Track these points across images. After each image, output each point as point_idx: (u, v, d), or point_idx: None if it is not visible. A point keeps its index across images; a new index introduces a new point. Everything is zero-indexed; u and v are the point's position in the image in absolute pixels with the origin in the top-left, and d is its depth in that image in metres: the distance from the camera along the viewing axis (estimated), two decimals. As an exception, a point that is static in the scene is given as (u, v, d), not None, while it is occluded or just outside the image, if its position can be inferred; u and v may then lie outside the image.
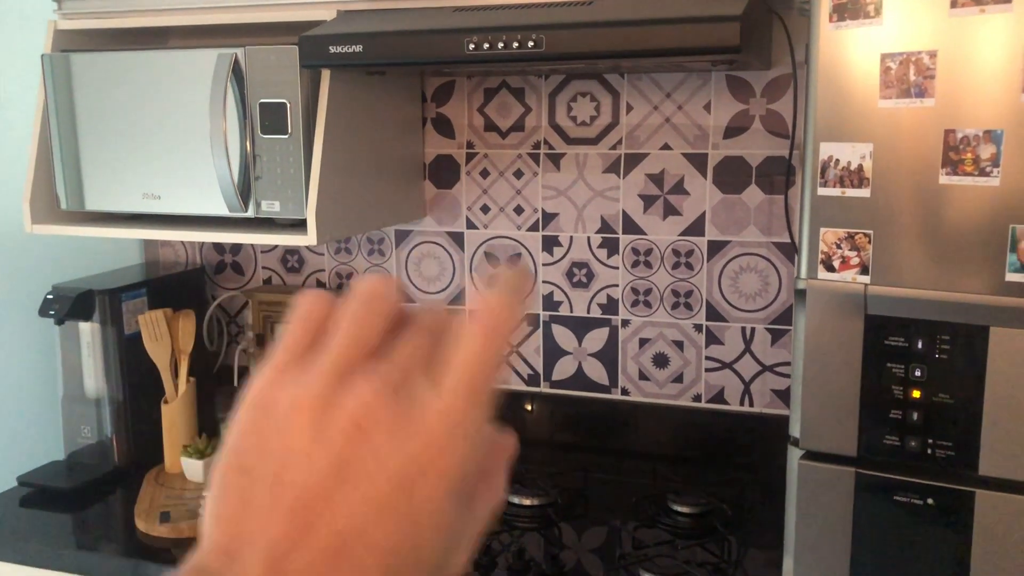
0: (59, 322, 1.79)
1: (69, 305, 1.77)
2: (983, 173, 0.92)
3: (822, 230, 1.01)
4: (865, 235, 0.99)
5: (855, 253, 0.99)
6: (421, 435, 0.33)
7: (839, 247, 1.00)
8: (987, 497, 0.96)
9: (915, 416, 0.98)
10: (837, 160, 0.99)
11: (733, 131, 1.74)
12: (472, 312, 0.36)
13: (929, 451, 0.98)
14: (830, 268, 1.01)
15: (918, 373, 0.98)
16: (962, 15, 0.91)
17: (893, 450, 1.00)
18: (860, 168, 0.98)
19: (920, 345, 0.97)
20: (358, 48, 1.40)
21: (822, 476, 1.04)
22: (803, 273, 1.03)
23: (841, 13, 0.97)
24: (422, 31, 1.38)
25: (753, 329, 1.79)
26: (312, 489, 0.32)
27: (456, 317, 0.37)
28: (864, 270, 0.99)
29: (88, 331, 1.83)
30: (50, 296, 1.79)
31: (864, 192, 0.98)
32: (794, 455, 1.07)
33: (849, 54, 0.98)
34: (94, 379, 1.85)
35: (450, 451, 0.33)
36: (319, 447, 0.32)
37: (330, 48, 1.42)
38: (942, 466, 0.98)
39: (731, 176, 1.75)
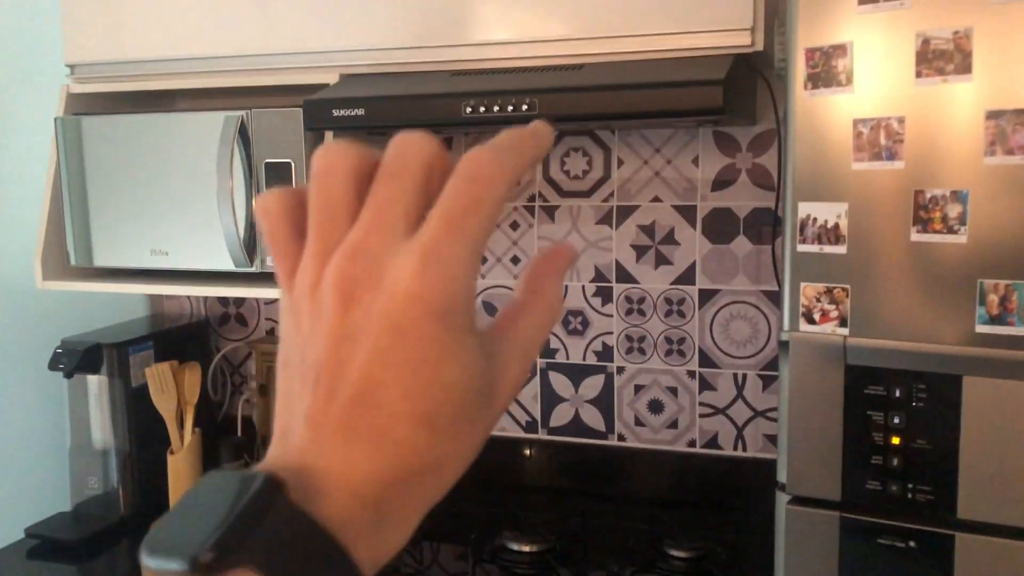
0: (68, 375, 1.83)
1: (78, 359, 1.82)
2: (951, 231, 0.98)
3: (802, 284, 1.06)
4: (843, 289, 1.04)
5: (834, 306, 1.05)
6: (397, 278, 0.34)
7: (819, 301, 1.05)
8: (966, 540, 1.01)
9: (895, 461, 1.03)
10: (815, 218, 1.04)
11: (721, 184, 1.80)
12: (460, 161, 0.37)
13: (910, 495, 1.03)
14: (811, 320, 1.06)
15: (897, 420, 1.03)
16: (927, 84, 0.98)
17: (875, 494, 1.04)
18: (836, 226, 1.03)
19: (898, 393, 1.02)
20: (360, 112, 1.47)
21: (808, 520, 1.08)
22: (786, 325, 1.08)
23: (815, 81, 1.04)
24: (422, 95, 1.44)
25: (745, 375, 1.83)
26: (325, 362, 0.35)
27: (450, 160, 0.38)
28: (843, 322, 1.04)
29: (96, 384, 1.88)
30: (59, 350, 1.84)
31: (841, 249, 1.03)
32: (781, 500, 1.11)
33: (824, 119, 1.04)
34: (101, 431, 1.89)
35: (426, 283, 0.34)
36: (320, 323, 0.35)
37: (333, 112, 1.48)
38: (922, 510, 1.02)
39: (720, 227, 1.81)
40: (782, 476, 1.10)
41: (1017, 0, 0.94)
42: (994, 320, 0.97)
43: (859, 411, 1.04)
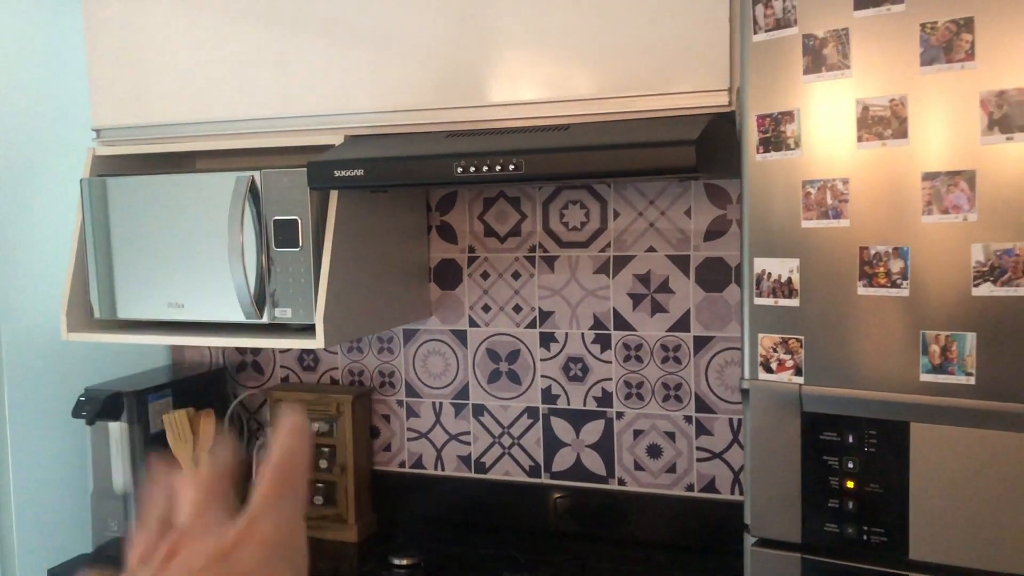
0: (90, 422, 1.93)
1: (99, 406, 1.92)
2: (894, 285, 1.03)
3: (760, 335, 1.12)
4: (797, 340, 1.10)
5: (789, 356, 1.10)
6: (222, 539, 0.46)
7: (775, 351, 1.11)
8: (918, 580, 1.05)
9: (850, 505, 1.07)
10: (769, 273, 1.11)
11: (712, 234, 1.87)
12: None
13: (865, 537, 1.07)
14: (769, 370, 1.12)
15: (851, 465, 1.07)
16: (868, 148, 1.04)
17: (833, 537, 1.09)
18: (790, 280, 1.09)
19: (851, 439, 1.07)
20: (359, 172, 1.56)
21: (772, 561, 1.13)
22: (747, 374, 1.14)
23: (767, 145, 1.10)
24: (416, 156, 1.53)
25: (740, 420, 1.88)
26: None
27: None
28: (798, 371, 1.10)
29: (117, 430, 1.97)
30: (82, 398, 1.94)
31: (794, 302, 1.09)
32: (748, 542, 1.16)
33: (775, 180, 1.10)
34: (122, 476, 1.98)
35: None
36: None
37: (335, 172, 1.58)
38: (877, 551, 1.07)
39: (712, 276, 1.87)
40: (747, 518, 1.15)
41: (946, 70, 1.00)
42: (936, 369, 1.02)
43: (815, 456, 1.09)
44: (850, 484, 1.07)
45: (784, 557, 1.12)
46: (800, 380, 1.10)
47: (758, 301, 1.11)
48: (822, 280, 1.08)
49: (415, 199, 2.03)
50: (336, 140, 1.74)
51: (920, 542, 1.05)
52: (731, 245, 1.86)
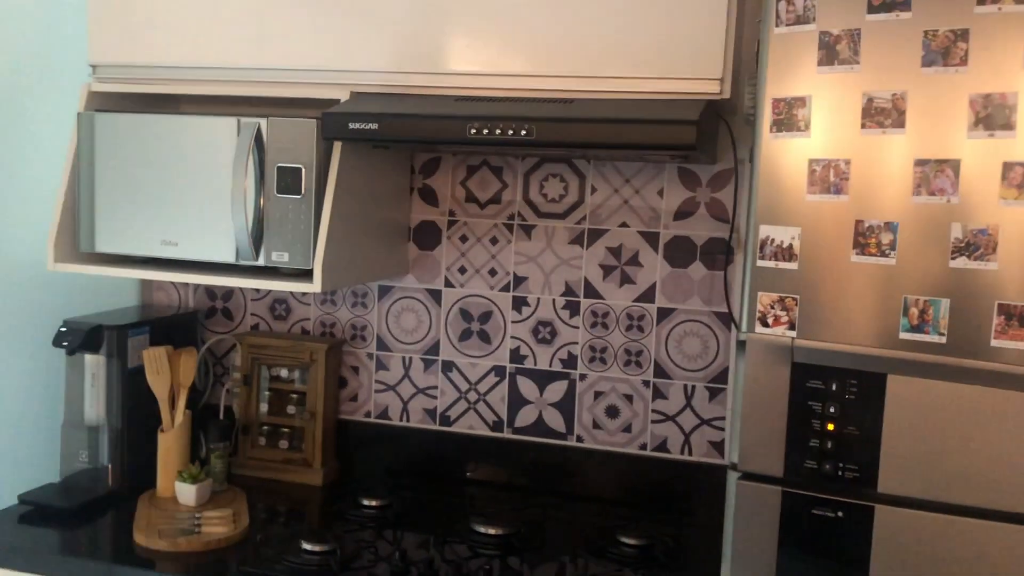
0: (71, 353, 1.95)
1: (81, 338, 1.94)
2: (883, 255, 1.20)
3: (759, 294, 1.27)
4: (793, 299, 1.25)
5: (785, 313, 1.25)
6: None
7: (772, 308, 1.26)
8: (884, 511, 1.22)
9: (829, 444, 1.23)
10: (773, 239, 1.26)
11: (682, 214, 2.02)
12: None
13: (840, 473, 1.23)
14: (765, 324, 1.27)
15: (832, 410, 1.23)
16: (869, 134, 1.20)
17: (811, 472, 1.25)
18: (790, 246, 1.25)
19: (834, 387, 1.23)
20: (374, 126, 1.64)
21: (755, 493, 1.28)
22: (744, 328, 1.28)
23: (779, 126, 1.25)
24: (432, 115, 1.63)
25: (694, 387, 2.04)
26: None
27: None
28: (792, 326, 1.25)
29: (94, 363, 2.00)
30: (63, 329, 1.95)
31: (793, 265, 1.25)
32: (732, 477, 1.31)
33: (784, 157, 1.25)
34: (95, 408, 2.01)
35: None
36: None
37: (349, 124, 1.66)
38: (850, 485, 1.23)
39: (679, 253, 2.03)
40: (734, 456, 1.30)
41: (942, 72, 1.16)
42: (914, 329, 1.19)
43: (801, 401, 1.25)
44: (830, 426, 1.23)
45: (766, 490, 1.27)
46: (793, 334, 1.25)
47: (760, 263, 1.26)
48: (820, 247, 1.23)
49: (402, 161, 2.11)
50: (341, 95, 1.81)
51: (888, 478, 1.21)
52: (698, 225, 2.01)
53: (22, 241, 1.99)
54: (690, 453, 2.05)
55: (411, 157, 2.16)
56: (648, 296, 2.05)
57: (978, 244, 1.16)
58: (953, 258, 1.17)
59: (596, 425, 2.10)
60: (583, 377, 2.10)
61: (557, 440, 2.12)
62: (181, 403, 2.00)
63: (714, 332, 2.01)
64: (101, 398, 2.00)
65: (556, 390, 2.12)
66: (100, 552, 1.74)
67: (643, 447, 2.08)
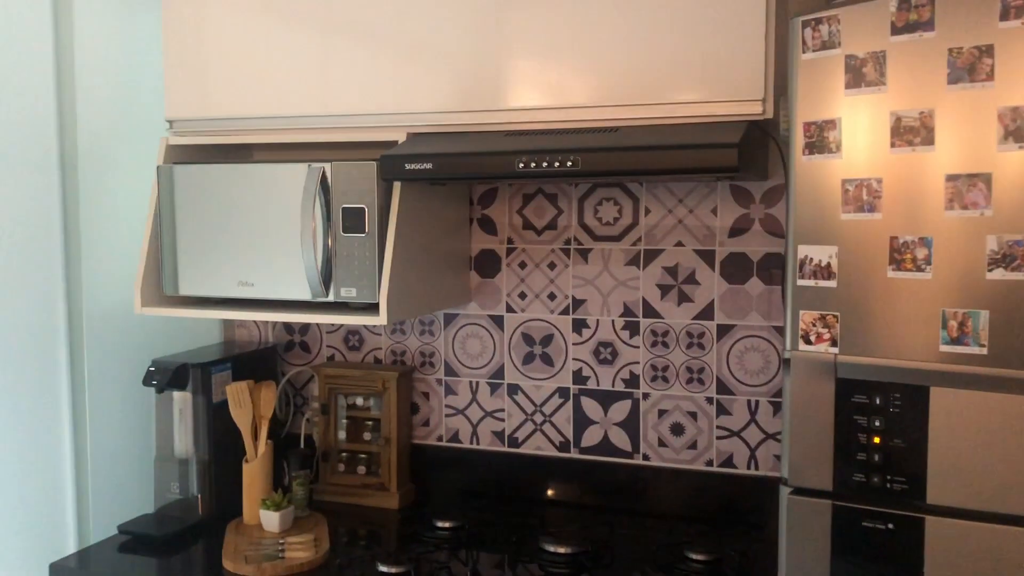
0: (159, 390, 2.08)
1: (168, 376, 2.07)
2: (919, 269, 1.22)
3: (801, 312, 1.30)
4: (834, 316, 1.28)
5: (827, 330, 1.28)
6: None
7: (814, 325, 1.29)
8: (933, 522, 1.23)
9: (876, 457, 1.26)
10: (811, 258, 1.29)
11: (736, 231, 2.05)
12: None
13: (888, 485, 1.25)
14: (808, 342, 1.30)
15: (877, 423, 1.26)
16: (899, 152, 1.23)
17: (860, 485, 1.27)
18: (828, 265, 1.28)
19: (879, 401, 1.25)
20: (428, 165, 1.73)
21: (806, 508, 1.31)
22: (788, 346, 1.32)
23: (812, 148, 1.29)
24: (481, 152, 1.70)
25: (757, 402, 2.06)
26: None
27: None
28: (834, 343, 1.28)
29: (181, 399, 2.13)
30: (152, 368, 2.09)
31: (832, 283, 1.28)
32: (784, 492, 1.34)
33: (818, 178, 1.29)
34: (183, 442, 2.13)
35: None
36: None
37: (406, 165, 1.74)
38: (898, 497, 1.25)
39: (736, 269, 2.05)
40: (784, 472, 1.33)
41: (968, 88, 1.18)
42: (954, 341, 1.21)
43: (847, 416, 1.27)
44: (876, 440, 1.25)
45: (817, 504, 1.30)
46: (835, 350, 1.28)
47: (800, 282, 1.30)
48: (857, 264, 1.26)
49: (460, 194, 2.20)
50: (398, 137, 1.90)
51: (936, 488, 1.23)
52: (753, 242, 2.04)
53: (111, 289, 2.13)
54: (756, 468, 2.07)
55: (469, 189, 2.24)
56: (707, 314, 2.08)
57: (1015, 255, 1.17)
58: (990, 270, 1.18)
59: (662, 443, 2.14)
60: (646, 396, 2.14)
61: (624, 459, 2.17)
62: (263, 434, 2.11)
63: (774, 347, 2.03)
64: (189, 432, 2.13)
65: (620, 409, 2.16)
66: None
67: (709, 463, 2.11)
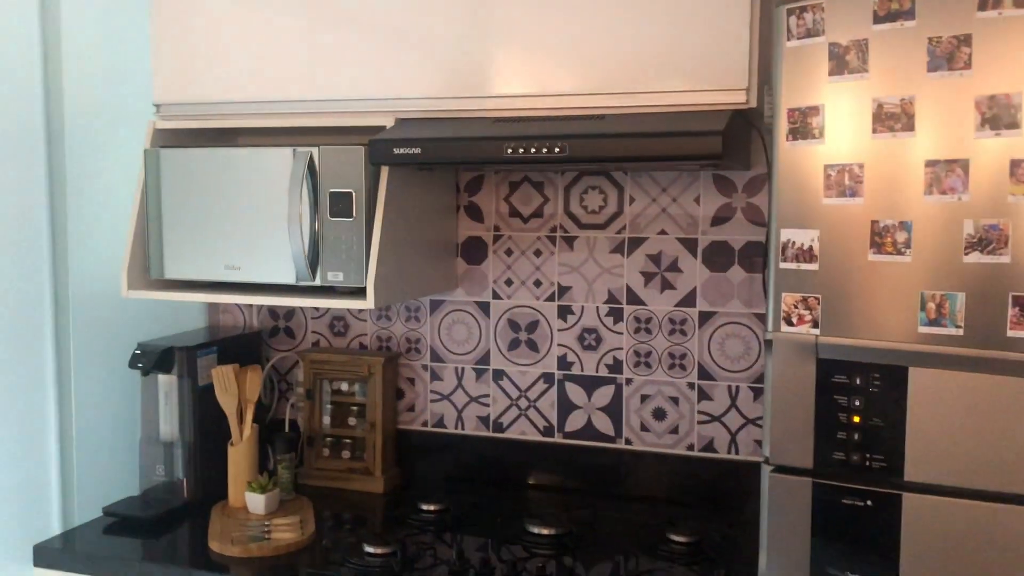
0: (145, 373, 2.09)
1: (154, 359, 2.08)
2: (899, 252, 1.25)
3: (783, 294, 1.33)
4: (815, 298, 1.31)
5: (808, 312, 1.32)
6: None
7: (796, 307, 1.32)
8: (911, 498, 1.27)
9: (856, 436, 1.29)
10: (794, 242, 1.32)
11: (719, 220, 2.08)
12: None
13: (867, 463, 1.29)
14: (790, 323, 1.33)
15: (857, 403, 1.29)
16: (881, 138, 1.26)
17: (840, 463, 1.30)
18: (811, 248, 1.31)
19: (858, 381, 1.29)
20: (417, 151, 1.75)
21: (787, 485, 1.34)
22: (770, 327, 1.35)
23: (795, 134, 1.32)
24: (470, 138, 1.72)
25: (738, 387, 2.09)
26: None
27: None
28: (815, 324, 1.31)
29: (166, 382, 2.13)
30: (137, 352, 2.10)
31: (814, 266, 1.31)
32: (766, 470, 1.37)
33: (801, 163, 1.32)
34: (169, 425, 2.14)
35: None
36: None
37: (394, 150, 1.76)
38: (877, 475, 1.28)
39: (718, 257, 2.09)
40: (766, 451, 1.36)
41: (947, 76, 1.22)
42: (932, 323, 1.24)
43: (827, 396, 1.31)
44: (856, 419, 1.29)
45: (798, 481, 1.33)
46: (816, 332, 1.31)
47: (783, 265, 1.33)
48: (838, 248, 1.29)
49: (447, 180, 2.22)
50: (386, 122, 1.92)
51: (914, 466, 1.26)
52: (735, 230, 2.07)
53: (98, 271, 2.14)
54: (737, 452, 2.11)
55: (456, 176, 2.26)
56: (689, 301, 2.12)
57: (990, 239, 1.20)
58: (967, 253, 1.22)
59: (644, 428, 2.17)
60: (629, 381, 2.17)
61: (607, 443, 2.19)
62: (249, 418, 2.13)
63: (755, 333, 2.07)
64: (174, 415, 2.13)
65: (603, 395, 2.19)
66: (178, 559, 1.87)
67: (690, 448, 2.14)
